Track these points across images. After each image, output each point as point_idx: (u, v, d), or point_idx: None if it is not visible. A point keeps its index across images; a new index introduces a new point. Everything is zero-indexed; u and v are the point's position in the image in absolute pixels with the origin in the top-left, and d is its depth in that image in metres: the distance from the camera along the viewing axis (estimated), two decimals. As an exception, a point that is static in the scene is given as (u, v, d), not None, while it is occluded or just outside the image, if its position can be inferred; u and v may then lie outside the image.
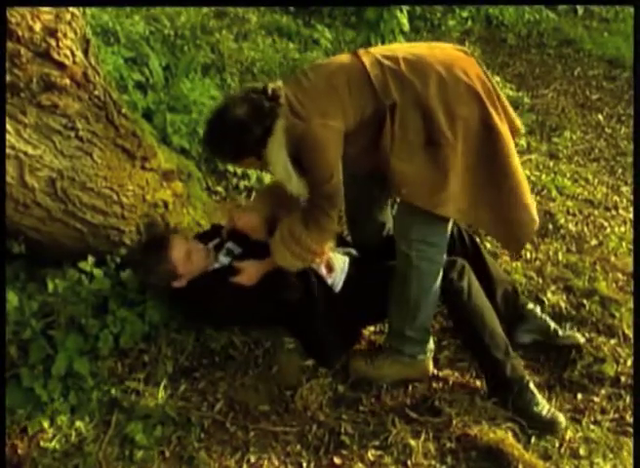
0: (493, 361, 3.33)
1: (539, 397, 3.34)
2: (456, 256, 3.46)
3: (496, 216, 3.18)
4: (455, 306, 3.41)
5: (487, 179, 3.10)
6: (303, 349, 3.55)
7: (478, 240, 3.83)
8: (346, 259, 3.64)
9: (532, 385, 3.35)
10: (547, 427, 3.30)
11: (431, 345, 3.49)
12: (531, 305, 3.72)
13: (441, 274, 3.31)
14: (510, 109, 3.24)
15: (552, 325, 3.67)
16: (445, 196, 3.05)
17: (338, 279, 3.55)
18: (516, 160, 3.15)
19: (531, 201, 3.25)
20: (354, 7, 7.18)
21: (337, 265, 3.57)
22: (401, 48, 3.24)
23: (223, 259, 3.59)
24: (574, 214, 4.98)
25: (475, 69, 3.13)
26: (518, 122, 3.29)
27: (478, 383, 3.50)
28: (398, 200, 3.35)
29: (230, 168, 4.63)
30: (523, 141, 5.86)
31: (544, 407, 3.32)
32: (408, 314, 3.34)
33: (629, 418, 3.37)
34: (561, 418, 3.31)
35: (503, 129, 3.08)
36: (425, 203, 3.07)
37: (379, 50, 3.19)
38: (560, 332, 3.66)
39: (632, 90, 6.89)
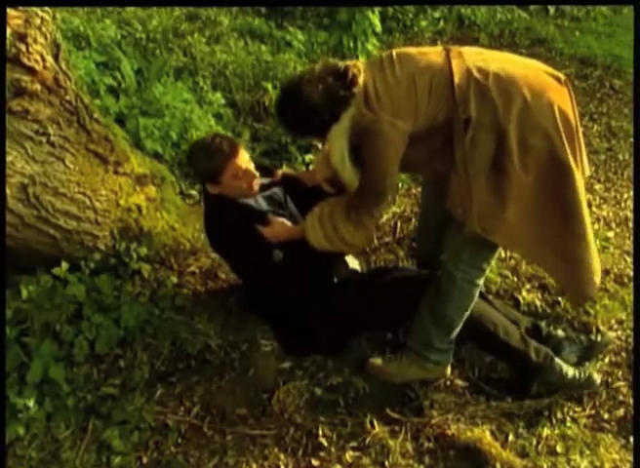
0: (516, 352, 3.39)
1: (564, 365, 3.42)
2: None
3: (563, 260, 3.10)
4: None
5: (558, 219, 3.01)
6: (275, 330, 3.61)
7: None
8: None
9: (555, 358, 3.41)
10: (586, 386, 3.46)
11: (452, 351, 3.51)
12: (553, 332, 3.68)
13: (477, 295, 3.34)
14: (584, 152, 3.10)
15: (583, 337, 3.67)
16: (497, 223, 3.01)
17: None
18: (586, 206, 3.06)
19: (596, 253, 3.19)
20: (327, 8, 7.17)
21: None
22: (496, 59, 3.07)
23: (261, 201, 3.51)
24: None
25: (564, 102, 2.99)
26: (586, 166, 3.14)
27: (458, 382, 3.51)
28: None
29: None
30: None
31: (574, 371, 3.43)
32: (441, 328, 3.34)
33: (605, 414, 3.40)
34: (593, 373, 3.47)
35: (577, 170, 2.97)
36: (476, 226, 3.02)
37: (472, 56, 3.03)
38: (593, 338, 3.68)
39: (633, 89, 6.86)
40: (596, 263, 3.16)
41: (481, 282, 3.30)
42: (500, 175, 2.94)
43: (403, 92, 2.94)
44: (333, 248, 3.29)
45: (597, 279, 3.20)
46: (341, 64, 3.00)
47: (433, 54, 3.04)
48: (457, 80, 2.92)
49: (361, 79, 2.94)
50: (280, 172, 3.72)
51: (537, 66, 3.12)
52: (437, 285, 3.32)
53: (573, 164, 2.94)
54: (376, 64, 3.05)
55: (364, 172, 3.06)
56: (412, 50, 3.10)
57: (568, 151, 2.93)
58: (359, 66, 2.99)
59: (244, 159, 3.31)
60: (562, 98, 3.00)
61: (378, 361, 3.51)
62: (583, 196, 3.01)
